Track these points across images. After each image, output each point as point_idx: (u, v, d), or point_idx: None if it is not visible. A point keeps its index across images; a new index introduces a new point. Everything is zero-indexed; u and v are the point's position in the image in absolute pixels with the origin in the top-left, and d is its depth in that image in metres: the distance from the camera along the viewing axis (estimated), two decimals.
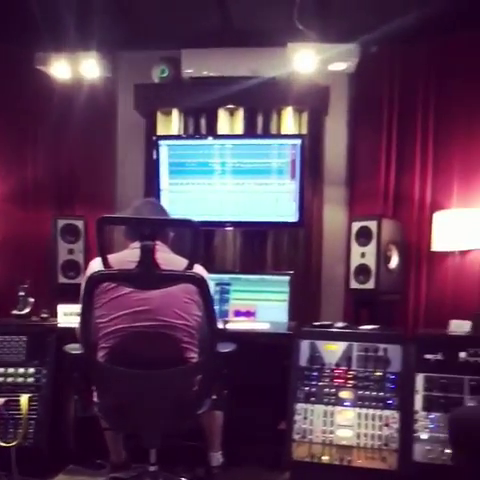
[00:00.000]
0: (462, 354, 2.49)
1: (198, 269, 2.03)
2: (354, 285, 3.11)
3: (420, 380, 2.50)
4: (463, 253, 3.20)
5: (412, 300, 3.33)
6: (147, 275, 1.88)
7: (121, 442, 2.57)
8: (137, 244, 1.94)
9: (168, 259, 2.09)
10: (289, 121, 3.56)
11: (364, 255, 3.10)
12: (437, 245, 3.20)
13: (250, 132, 3.56)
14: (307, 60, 3.13)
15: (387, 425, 2.45)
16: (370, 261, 3.07)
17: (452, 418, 2.04)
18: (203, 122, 3.60)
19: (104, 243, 1.94)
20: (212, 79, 3.53)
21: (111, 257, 1.97)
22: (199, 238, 2.12)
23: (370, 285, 3.05)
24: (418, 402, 2.47)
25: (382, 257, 3.07)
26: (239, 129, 3.58)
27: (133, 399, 2.01)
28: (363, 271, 3.09)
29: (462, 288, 3.18)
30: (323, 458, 2.46)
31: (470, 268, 3.20)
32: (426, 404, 2.46)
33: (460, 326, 2.71)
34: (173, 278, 2.00)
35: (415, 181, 3.41)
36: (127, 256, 2.06)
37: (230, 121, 3.61)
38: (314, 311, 3.41)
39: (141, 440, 2.14)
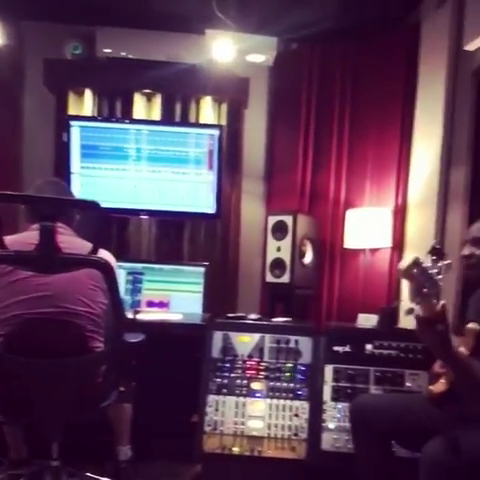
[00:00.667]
0: (368, 346, 2.62)
1: (104, 254, 1.97)
2: (270, 279, 3.18)
3: (329, 371, 2.60)
4: (373, 251, 3.37)
5: (325, 294, 3.47)
6: (47, 258, 1.77)
7: (21, 437, 2.44)
8: (38, 225, 1.84)
9: (71, 242, 1.99)
10: (208, 111, 3.58)
11: (280, 249, 3.17)
12: (349, 242, 3.35)
13: (168, 119, 3.53)
14: (225, 49, 3.19)
15: (297, 415, 2.53)
16: (285, 255, 3.15)
17: (352, 406, 2.13)
18: (118, 105, 3.53)
19: None
20: (129, 61, 3.46)
21: (9, 238, 1.84)
22: (105, 221, 2.05)
23: (285, 279, 3.13)
24: (327, 392, 2.57)
25: (297, 252, 3.16)
26: (156, 115, 3.55)
27: (31, 390, 1.90)
28: (278, 265, 3.16)
29: (371, 284, 3.36)
30: (234, 449, 2.49)
31: (379, 265, 3.39)
32: (334, 394, 2.56)
33: (368, 320, 2.85)
34: (76, 262, 1.89)
35: (330, 179, 3.56)
36: (27, 238, 1.92)
37: (147, 106, 3.57)
38: (231, 304, 3.45)
39: (42, 434, 2.03)
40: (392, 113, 3.47)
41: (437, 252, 1.54)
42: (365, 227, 3.26)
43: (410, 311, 1.52)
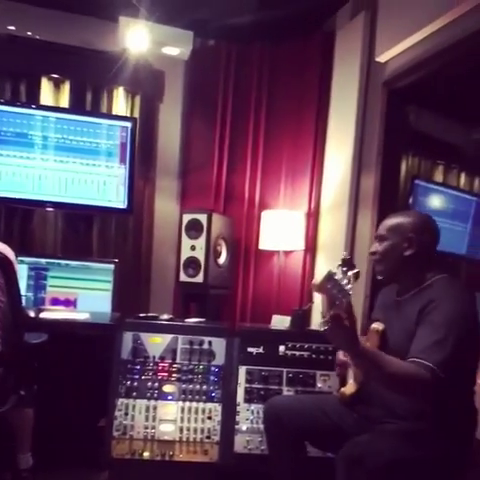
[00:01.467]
0: (281, 348, 2.68)
1: (1, 247, 1.87)
2: (183, 278, 3.16)
3: (242, 373, 2.63)
4: (287, 253, 3.47)
5: (240, 295, 3.52)
6: None
7: None
8: None
9: None
10: (121, 102, 3.51)
11: (194, 248, 3.17)
12: (264, 244, 3.42)
13: (78, 107, 3.40)
14: (139, 38, 3.12)
15: (210, 418, 2.53)
16: (200, 255, 3.16)
17: (266, 407, 2.18)
18: (23, 89, 3.34)
19: None
20: (36, 42, 3.30)
21: None
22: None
23: (199, 279, 3.13)
24: (240, 394, 2.59)
25: (212, 251, 3.17)
26: (65, 103, 3.40)
27: None
28: (192, 264, 3.16)
29: (285, 286, 3.46)
30: (144, 454, 2.44)
31: (292, 267, 3.49)
32: (247, 396, 2.60)
33: (281, 321, 2.93)
34: None
35: (245, 179, 3.63)
36: None
37: (55, 93, 3.42)
38: (142, 303, 3.40)
39: None
40: (307, 117, 3.60)
41: (347, 263, 1.61)
42: (279, 229, 3.35)
43: (325, 324, 1.57)
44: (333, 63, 3.57)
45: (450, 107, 3.82)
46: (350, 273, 1.59)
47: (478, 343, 1.73)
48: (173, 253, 3.45)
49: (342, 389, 2.08)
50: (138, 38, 3.14)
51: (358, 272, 1.62)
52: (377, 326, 1.96)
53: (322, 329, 1.58)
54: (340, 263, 1.62)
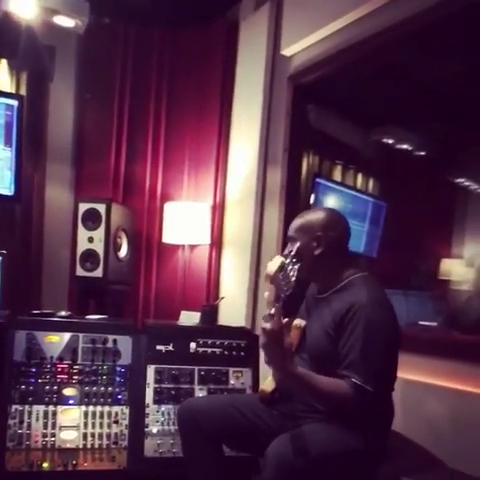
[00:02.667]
0: (192, 345, 2.63)
1: None
2: (80, 272, 3.00)
3: (151, 372, 2.54)
4: (192, 247, 3.43)
5: (142, 291, 3.41)
6: None
7: None
8: None
9: None
10: (4, 77, 3.26)
11: (92, 240, 3.02)
12: (168, 237, 3.35)
13: None
14: (26, 2, 2.85)
15: (117, 422, 2.41)
16: (98, 247, 3.01)
17: (181, 409, 2.12)
18: None
19: None
20: None
21: None
22: None
23: (98, 273, 2.98)
24: (149, 395, 2.50)
25: (111, 244, 3.04)
26: None
27: None
28: (90, 257, 3.00)
29: (191, 281, 3.41)
30: (44, 465, 2.26)
31: (198, 262, 3.46)
32: (157, 396, 2.51)
33: (190, 317, 2.88)
34: None
35: (146, 169, 3.55)
36: None
37: None
38: (33, 300, 3.16)
39: None
40: (210, 107, 3.59)
41: (295, 256, 1.64)
42: (184, 222, 3.30)
43: (271, 317, 1.58)
44: (237, 53, 3.61)
45: (350, 108, 4.04)
46: (296, 266, 1.61)
47: (398, 345, 1.83)
48: (67, 245, 3.27)
49: (262, 387, 2.08)
50: (24, 2, 2.86)
51: (300, 266, 1.64)
52: (299, 322, 2.02)
53: (266, 321, 1.59)
54: (287, 254, 1.64)
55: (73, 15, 3.05)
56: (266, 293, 1.61)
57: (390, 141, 3.98)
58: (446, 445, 2.07)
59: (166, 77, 3.62)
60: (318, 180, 4.05)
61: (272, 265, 1.57)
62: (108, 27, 3.57)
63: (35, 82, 3.38)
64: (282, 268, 1.56)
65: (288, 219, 3.26)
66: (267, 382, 2.05)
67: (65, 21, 3.06)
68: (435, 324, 3.57)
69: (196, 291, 3.39)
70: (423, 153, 4.22)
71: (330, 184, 4.17)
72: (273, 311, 1.57)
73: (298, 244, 1.86)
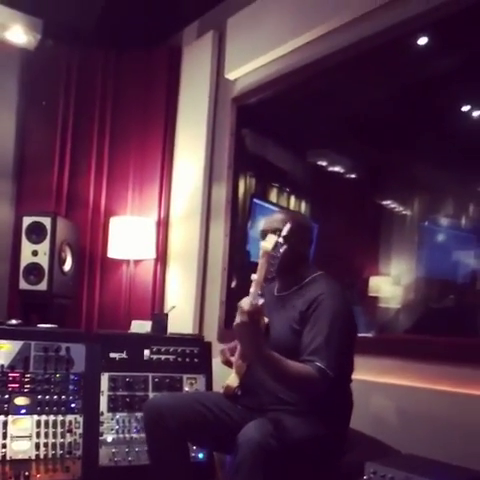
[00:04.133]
0: (146, 352, 2.64)
1: None
2: (24, 286, 2.94)
3: (105, 380, 2.51)
4: (137, 262, 3.44)
5: (85, 306, 3.36)
6: None
7: None
8: None
9: None
10: None
11: (36, 253, 2.99)
12: (113, 252, 3.35)
13: None
14: None
15: (70, 431, 2.36)
16: (43, 261, 2.99)
17: (147, 406, 2.11)
18: None
19: None
20: None
21: None
22: None
23: (43, 286, 2.95)
24: (103, 403, 2.47)
25: (56, 257, 3.01)
26: None
27: None
28: (35, 271, 2.97)
29: (135, 295, 3.41)
30: None
31: (143, 277, 3.47)
32: (111, 404, 2.49)
33: (141, 326, 2.88)
34: None
35: (90, 184, 3.55)
36: None
37: None
38: None
39: None
40: (154, 127, 3.69)
41: (284, 238, 1.71)
42: (129, 237, 3.32)
43: (261, 296, 1.64)
44: (181, 74, 3.75)
45: (287, 131, 4.22)
46: (282, 249, 1.68)
47: (356, 334, 1.97)
48: (6, 259, 3.19)
49: (226, 382, 2.09)
50: None
51: (286, 248, 1.71)
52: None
53: (255, 301, 1.65)
54: (278, 234, 1.71)
55: (26, 31, 3.08)
56: (253, 275, 1.67)
57: (324, 163, 4.19)
58: (396, 435, 2.19)
59: (110, 95, 3.69)
60: (255, 200, 4.18)
61: (268, 243, 1.64)
62: (52, 47, 3.59)
63: None
64: (276, 247, 1.63)
65: (233, 233, 3.38)
66: (231, 378, 2.08)
67: (18, 37, 3.08)
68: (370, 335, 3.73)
69: (141, 304, 3.41)
70: (353, 176, 4.47)
71: (266, 205, 4.30)
72: (260, 291, 1.63)
73: (288, 226, 1.89)
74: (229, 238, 3.36)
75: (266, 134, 4.17)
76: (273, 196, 4.63)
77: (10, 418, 2.28)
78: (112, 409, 2.47)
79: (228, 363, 2.16)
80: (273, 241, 1.65)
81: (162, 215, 3.56)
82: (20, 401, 2.32)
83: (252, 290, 1.69)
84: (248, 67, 3.34)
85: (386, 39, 2.62)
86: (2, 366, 2.34)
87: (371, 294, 4.61)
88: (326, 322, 1.84)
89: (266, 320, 2.04)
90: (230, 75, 3.47)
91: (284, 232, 1.76)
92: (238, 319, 1.69)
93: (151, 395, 2.56)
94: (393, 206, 4.75)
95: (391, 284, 4.54)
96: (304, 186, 4.81)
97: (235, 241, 3.39)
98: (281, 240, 1.69)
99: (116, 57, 3.73)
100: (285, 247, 1.71)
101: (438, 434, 2.04)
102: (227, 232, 3.37)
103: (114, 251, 3.36)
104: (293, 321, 1.92)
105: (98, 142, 3.61)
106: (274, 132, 4.18)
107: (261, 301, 1.66)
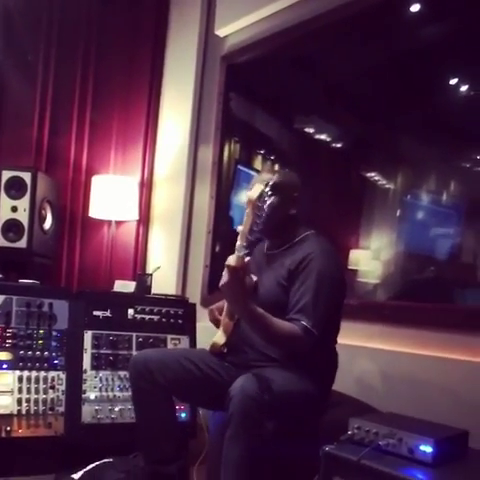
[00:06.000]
0: (130, 311, 2.65)
1: None
2: (2, 243, 2.90)
3: (88, 338, 2.52)
4: (118, 223, 3.42)
5: (65, 264, 3.35)
6: None
7: None
8: None
9: None
10: None
11: (16, 209, 2.94)
12: (94, 212, 3.33)
13: None
14: None
15: (53, 387, 2.37)
16: (23, 217, 2.94)
17: (134, 360, 2.13)
18: None
19: None
20: None
21: None
22: None
23: (22, 244, 2.92)
24: (87, 361, 2.49)
25: (37, 214, 2.98)
26: None
27: None
28: (14, 227, 2.93)
29: (116, 257, 3.40)
30: None
31: (124, 238, 3.47)
32: (95, 362, 2.50)
33: (125, 286, 2.88)
34: None
35: (71, 141, 3.48)
36: None
37: None
38: None
39: None
40: (139, 84, 3.64)
41: (272, 187, 1.71)
42: (111, 196, 3.29)
43: (245, 248, 1.65)
44: (168, 30, 3.69)
45: (275, 96, 4.19)
46: (269, 200, 1.69)
47: (344, 295, 2.02)
48: None
49: (213, 339, 2.13)
50: None
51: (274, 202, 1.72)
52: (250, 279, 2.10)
53: (240, 254, 1.67)
54: (265, 184, 1.71)
55: None
56: (239, 227, 1.70)
57: (310, 130, 4.19)
58: (379, 397, 2.27)
59: (94, 48, 3.58)
60: (239, 167, 4.18)
61: (253, 192, 1.66)
62: None
63: None
64: (261, 196, 1.63)
65: (219, 195, 3.39)
66: (218, 335, 2.12)
67: None
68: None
69: (123, 265, 3.42)
70: (339, 145, 4.49)
71: (251, 172, 4.31)
72: (246, 243, 1.65)
73: (275, 178, 1.90)
74: (215, 201, 3.37)
75: (254, 98, 4.15)
76: (257, 164, 4.64)
77: None
78: (95, 367, 2.49)
79: (216, 322, 2.19)
80: (259, 190, 1.65)
81: (145, 175, 3.54)
82: (2, 356, 2.32)
83: (238, 243, 1.71)
84: (239, 24, 3.30)
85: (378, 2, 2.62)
86: None
87: (351, 267, 4.68)
88: (314, 281, 1.87)
89: (255, 278, 2.08)
90: (220, 31, 3.43)
91: (271, 181, 1.75)
92: (225, 277, 1.73)
93: (133, 354, 2.58)
94: (377, 179, 4.80)
95: (370, 259, 4.60)
96: (289, 154, 4.82)
97: (220, 205, 3.40)
98: (267, 190, 1.68)
99: (100, 8, 3.63)
100: (272, 200, 1.71)
101: (420, 396, 2.13)
102: (213, 194, 3.37)
103: (95, 211, 3.33)
104: (281, 278, 1.96)
105: (80, 97, 3.52)
106: (262, 96, 4.16)
107: (246, 256, 1.68)
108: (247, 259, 1.73)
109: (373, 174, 4.81)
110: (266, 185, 1.71)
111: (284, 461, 1.78)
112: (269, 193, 1.69)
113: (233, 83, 3.51)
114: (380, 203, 4.23)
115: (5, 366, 2.32)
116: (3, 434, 2.22)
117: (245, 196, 1.72)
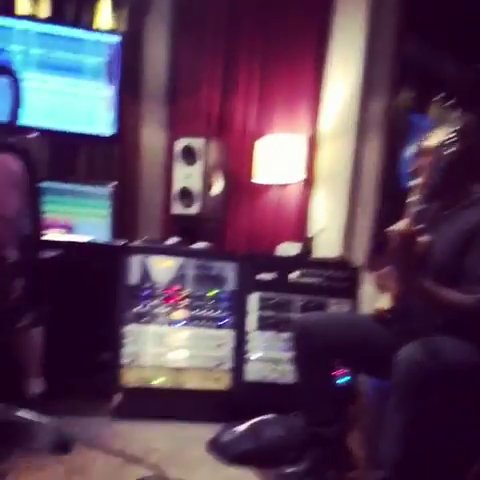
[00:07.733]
0: (294, 274, 2.76)
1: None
2: (178, 209, 3.18)
3: (254, 299, 2.70)
4: (285, 185, 3.51)
5: (231, 229, 3.56)
6: None
7: None
8: None
9: None
10: (106, 15, 3.41)
11: (190, 176, 3.17)
12: (258, 177, 3.46)
13: (58, 18, 3.29)
14: None
15: (221, 345, 2.62)
16: (195, 184, 3.17)
17: (296, 324, 2.19)
18: None
19: None
20: None
21: None
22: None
23: (193, 210, 3.15)
24: (252, 322, 2.68)
25: (207, 181, 3.19)
26: (44, 12, 3.29)
27: None
28: (186, 194, 3.17)
29: (281, 219, 3.54)
30: (154, 382, 2.51)
31: (289, 199, 3.57)
32: (259, 323, 2.69)
33: (289, 249, 2.99)
34: None
35: (239, 106, 3.59)
36: None
37: (32, 4, 3.29)
38: (130, 235, 3.36)
39: None
40: (307, 36, 3.56)
41: (458, 132, 1.55)
42: (277, 158, 3.35)
43: (418, 202, 1.58)
44: None
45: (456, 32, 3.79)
46: (450, 149, 1.52)
47: None
48: (161, 183, 3.47)
49: (377, 305, 2.09)
50: None
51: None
52: (424, 239, 1.97)
53: (415, 210, 1.61)
54: (448, 131, 1.55)
55: None
56: (413, 181, 1.62)
57: None
58: None
59: (262, 9, 3.60)
60: (413, 117, 3.96)
61: (433, 140, 1.54)
62: None
63: (132, 18, 3.48)
64: (445, 142, 1.50)
65: (388, 153, 3.26)
66: (382, 300, 2.07)
67: None
68: None
69: (286, 228, 3.51)
70: None
71: (426, 123, 4.06)
72: (420, 198, 1.56)
73: (465, 120, 1.73)
74: (384, 157, 3.26)
75: (434, 35, 3.77)
76: (434, 112, 4.35)
77: (169, 329, 2.60)
78: (260, 328, 2.68)
79: (381, 287, 2.14)
80: (440, 137, 1.51)
81: (313, 131, 3.53)
82: (178, 315, 2.62)
83: (411, 198, 1.61)
84: None
85: None
86: (162, 282, 2.62)
87: None
88: None
89: (426, 239, 1.91)
90: None
91: (458, 126, 1.58)
92: (393, 242, 1.67)
93: (296, 317, 2.70)
94: None
95: None
96: (472, 98, 4.41)
97: (391, 161, 3.27)
98: (451, 137, 1.52)
99: None
100: (454, 148, 1.56)
101: None
102: (382, 154, 3.27)
103: (260, 175, 3.44)
104: (456, 241, 1.85)
105: (248, 60, 3.59)
106: (444, 32, 3.77)
107: (421, 213, 1.59)
108: (418, 227, 1.66)
109: None
110: (450, 132, 1.57)
111: (444, 442, 1.75)
112: (453, 140, 1.54)
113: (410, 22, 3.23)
114: None
115: (180, 324, 2.61)
116: (177, 385, 2.54)
117: (421, 146, 1.63)
